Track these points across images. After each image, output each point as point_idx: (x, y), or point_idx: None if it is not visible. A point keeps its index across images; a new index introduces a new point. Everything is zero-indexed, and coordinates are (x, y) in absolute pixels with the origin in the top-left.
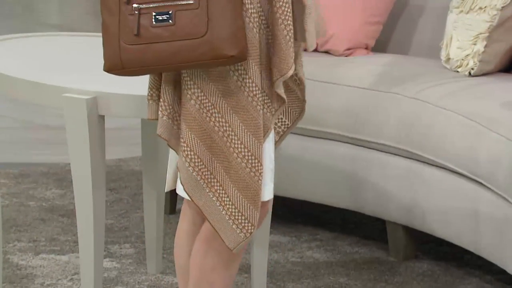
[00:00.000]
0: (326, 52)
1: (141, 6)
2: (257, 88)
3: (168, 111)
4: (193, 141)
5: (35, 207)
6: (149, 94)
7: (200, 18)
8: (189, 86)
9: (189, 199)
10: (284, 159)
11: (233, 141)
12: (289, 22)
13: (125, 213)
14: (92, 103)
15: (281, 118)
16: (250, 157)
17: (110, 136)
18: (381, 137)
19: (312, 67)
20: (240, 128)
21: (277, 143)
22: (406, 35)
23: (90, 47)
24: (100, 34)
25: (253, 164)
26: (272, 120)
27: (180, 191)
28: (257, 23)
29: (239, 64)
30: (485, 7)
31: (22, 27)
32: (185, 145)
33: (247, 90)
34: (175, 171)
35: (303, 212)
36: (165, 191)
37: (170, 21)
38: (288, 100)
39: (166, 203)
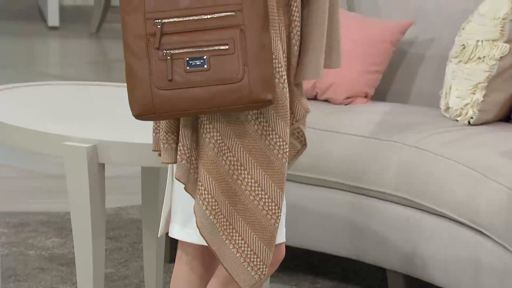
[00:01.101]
0: (326, 100)
1: (172, 52)
2: (282, 142)
3: (187, 155)
4: (211, 185)
5: (35, 256)
6: (165, 138)
7: (236, 63)
8: (208, 130)
9: (189, 241)
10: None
11: (249, 184)
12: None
13: (124, 262)
14: (92, 151)
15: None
16: (267, 200)
17: (110, 184)
18: (381, 185)
19: (312, 115)
20: (258, 171)
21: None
22: (405, 84)
23: (90, 95)
24: (99, 83)
25: (270, 207)
26: (286, 160)
27: (176, 233)
28: (286, 88)
29: (258, 111)
30: (484, 57)
31: (23, 77)
32: (202, 188)
33: (268, 137)
34: (168, 214)
35: (303, 261)
36: (158, 235)
37: (204, 66)
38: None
39: (165, 251)
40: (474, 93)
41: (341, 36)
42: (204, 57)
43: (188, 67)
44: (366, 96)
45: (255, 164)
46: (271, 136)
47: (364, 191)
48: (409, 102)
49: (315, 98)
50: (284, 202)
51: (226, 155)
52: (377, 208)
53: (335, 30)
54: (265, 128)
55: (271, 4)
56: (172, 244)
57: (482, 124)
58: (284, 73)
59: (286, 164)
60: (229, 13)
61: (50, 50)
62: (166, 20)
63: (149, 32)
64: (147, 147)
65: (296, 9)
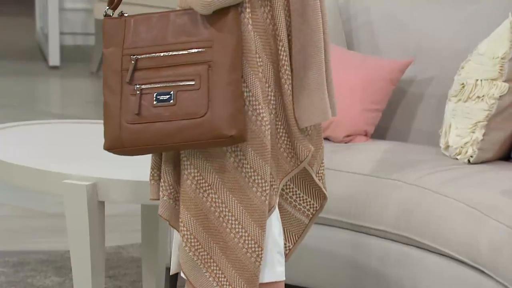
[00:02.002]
0: (326, 138)
1: (143, 86)
2: (261, 180)
3: (169, 191)
4: (190, 222)
5: None
6: (151, 174)
7: (201, 99)
8: (185, 166)
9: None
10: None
11: (230, 221)
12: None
13: None
14: (92, 189)
15: (309, 201)
16: (247, 238)
17: (109, 222)
18: (381, 223)
19: None
20: (238, 209)
21: (307, 227)
22: (405, 123)
23: (91, 134)
24: (99, 121)
25: (250, 245)
26: (276, 199)
27: (183, 273)
28: (267, 127)
29: (237, 146)
30: (483, 96)
31: (24, 116)
32: (182, 225)
33: (247, 175)
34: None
35: None
36: (170, 273)
37: (171, 101)
38: (311, 185)
39: None
40: (473, 132)
41: (333, 84)
42: (171, 92)
43: (155, 102)
44: (366, 134)
45: (236, 201)
46: (249, 174)
47: (364, 229)
48: (409, 140)
49: None
50: (281, 242)
51: (208, 191)
52: (377, 246)
53: (329, 77)
54: (244, 165)
55: (248, 42)
56: (172, 283)
57: (482, 162)
58: (263, 110)
59: (267, 202)
60: (199, 50)
61: (51, 89)
62: (140, 56)
63: (125, 68)
64: (146, 184)
65: (283, 49)
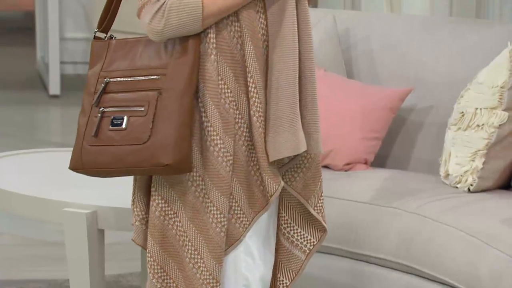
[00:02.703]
0: (326, 166)
1: (105, 109)
2: (220, 214)
3: (141, 216)
4: (154, 249)
5: None
6: (131, 200)
7: (146, 125)
8: (153, 194)
9: None
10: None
11: (190, 251)
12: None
13: None
14: (92, 217)
15: (306, 237)
16: (204, 269)
17: (109, 250)
18: (381, 252)
19: None
20: (198, 239)
21: (304, 263)
22: (405, 151)
23: None
24: None
25: (205, 277)
26: (244, 232)
27: None
28: (225, 158)
29: (198, 177)
30: (483, 124)
31: (24, 145)
32: (148, 253)
33: (206, 205)
34: None
35: None
36: None
37: (122, 125)
38: (309, 219)
39: None
40: (473, 160)
41: (319, 119)
42: (124, 117)
43: (111, 126)
44: (366, 163)
45: (196, 231)
46: (207, 205)
47: (364, 257)
48: (409, 168)
49: None
50: (246, 275)
51: (173, 219)
52: (377, 274)
53: (312, 111)
54: (204, 195)
55: (209, 71)
56: None
57: (482, 191)
58: (222, 141)
59: (222, 234)
60: (155, 77)
61: (51, 118)
62: (111, 79)
63: (97, 90)
64: None
65: (252, 80)
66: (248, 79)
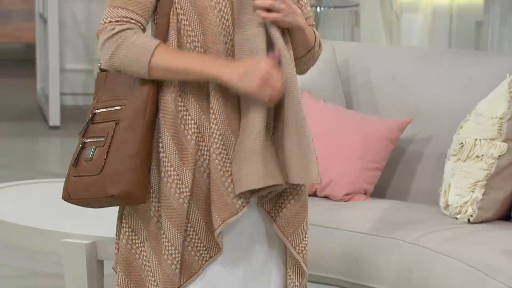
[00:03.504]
0: (325, 197)
1: (86, 140)
2: (174, 249)
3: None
4: (120, 278)
5: None
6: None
7: (102, 156)
8: (122, 223)
9: None
10: None
11: (150, 281)
12: (228, 168)
13: None
14: (91, 247)
15: (292, 278)
16: None
17: (108, 282)
18: (381, 282)
19: (311, 212)
20: (157, 269)
21: None
22: (404, 181)
23: None
24: None
25: None
26: (204, 266)
27: None
28: (179, 189)
29: (156, 209)
30: (482, 155)
31: (23, 176)
32: (116, 282)
33: (163, 246)
34: None
35: None
36: None
37: (90, 156)
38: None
39: None
40: (473, 191)
41: (308, 147)
42: (93, 148)
43: (85, 156)
44: (365, 193)
45: (156, 262)
46: (165, 243)
47: None
48: (409, 199)
49: (314, 195)
50: None
51: (140, 249)
52: None
53: (295, 141)
54: (161, 231)
55: (167, 102)
56: None
57: (482, 222)
58: (175, 172)
59: (173, 267)
60: (117, 107)
61: (51, 149)
62: (98, 110)
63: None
64: None
65: (214, 116)
66: (210, 113)
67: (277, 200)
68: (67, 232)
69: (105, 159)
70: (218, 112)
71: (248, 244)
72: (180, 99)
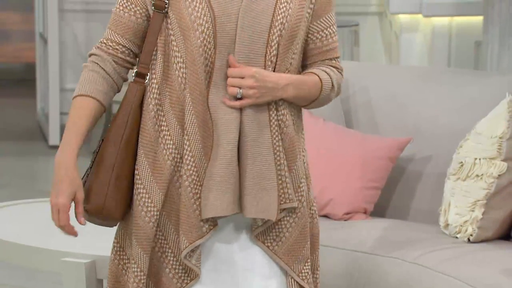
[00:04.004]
0: (325, 216)
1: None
2: (138, 269)
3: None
4: None
5: None
6: None
7: (86, 172)
8: (113, 241)
9: None
10: None
11: None
12: (197, 190)
13: None
14: (90, 266)
15: None
16: None
17: None
18: None
19: None
20: None
21: None
22: (404, 201)
23: None
24: None
25: None
26: None
27: None
28: (146, 207)
29: (124, 228)
30: (482, 175)
31: (23, 195)
32: None
33: (131, 262)
34: None
35: None
36: None
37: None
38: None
39: None
40: (473, 210)
41: (269, 180)
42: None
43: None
44: (365, 212)
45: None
46: (131, 264)
47: None
48: (408, 218)
49: None
50: None
51: (127, 265)
52: None
53: (254, 171)
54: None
55: (146, 123)
56: None
57: (482, 241)
58: (144, 191)
59: None
60: (109, 125)
61: (50, 168)
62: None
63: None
64: None
65: (188, 143)
66: (185, 134)
67: (273, 228)
68: (67, 251)
69: (88, 173)
70: (192, 134)
71: (239, 272)
72: (162, 119)
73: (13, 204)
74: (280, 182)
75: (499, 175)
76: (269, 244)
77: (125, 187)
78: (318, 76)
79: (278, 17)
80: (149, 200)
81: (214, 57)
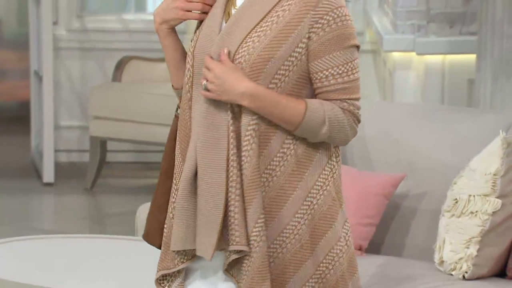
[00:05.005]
0: None
1: None
2: None
3: None
4: None
5: None
6: None
7: None
8: None
9: None
10: None
11: None
12: (171, 223)
13: None
14: None
15: None
16: None
17: None
18: None
19: None
20: None
21: None
22: (399, 237)
23: (83, 249)
24: (92, 236)
25: None
26: None
27: None
28: None
29: None
30: (477, 211)
31: (17, 233)
32: None
33: None
34: None
35: None
36: None
37: None
38: None
39: None
40: (468, 247)
41: (211, 223)
42: None
43: None
44: (360, 249)
45: None
46: None
47: None
48: (403, 255)
49: None
50: None
51: None
52: None
53: (199, 214)
54: None
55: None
56: None
57: (477, 278)
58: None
59: None
60: None
61: (44, 206)
62: None
63: None
64: None
65: (176, 174)
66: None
67: (237, 262)
68: None
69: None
70: (178, 167)
71: None
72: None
73: (7, 242)
74: (230, 223)
75: (493, 212)
76: (234, 276)
77: (163, 216)
78: (306, 104)
79: (240, 51)
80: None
81: (192, 88)
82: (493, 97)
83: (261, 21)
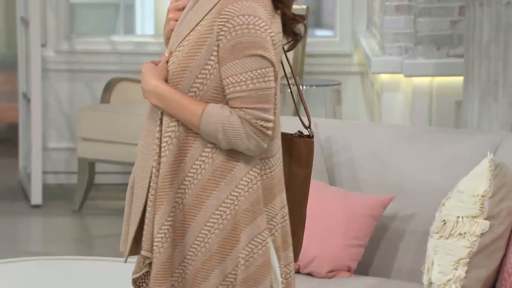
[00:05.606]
0: (309, 274)
1: None
2: None
3: None
4: None
5: None
6: None
7: None
8: None
9: None
10: None
11: None
12: None
13: None
14: None
15: None
16: None
17: None
18: None
19: None
20: None
21: None
22: (387, 259)
23: (69, 271)
24: (80, 258)
25: None
26: None
27: None
28: None
29: None
30: (465, 233)
31: (4, 255)
32: None
33: None
34: None
35: None
36: None
37: None
38: None
39: None
40: (456, 269)
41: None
42: None
43: None
44: (349, 270)
45: None
46: None
47: None
48: (392, 276)
49: (297, 272)
50: None
51: None
52: None
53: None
54: None
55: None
56: None
57: None
58: None
59: None
60: None
61: (32, 228)
62: None
63: None
64: None
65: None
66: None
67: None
68: None
69: None
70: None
71: None
72: None
73: None
74: (145, 228)
75: (481, 234)
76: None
77: None
78: (205, 108)
79: (172, 57)
80: None
81: None
82: (481, 118)
83: (192, 30)
